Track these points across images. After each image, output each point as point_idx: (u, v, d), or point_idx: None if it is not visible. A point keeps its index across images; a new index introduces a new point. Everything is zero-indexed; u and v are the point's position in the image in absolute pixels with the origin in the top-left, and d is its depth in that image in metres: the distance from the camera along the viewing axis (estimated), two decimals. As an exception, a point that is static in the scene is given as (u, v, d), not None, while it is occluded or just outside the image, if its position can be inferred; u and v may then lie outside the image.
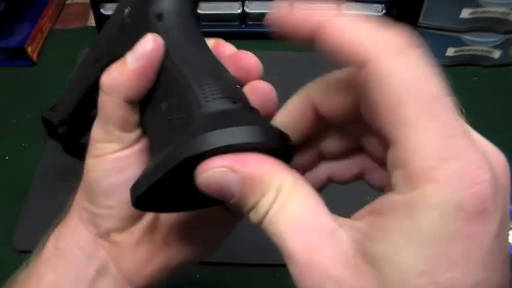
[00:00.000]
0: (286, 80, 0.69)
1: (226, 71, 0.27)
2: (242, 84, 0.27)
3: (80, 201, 0.31)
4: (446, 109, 0.18)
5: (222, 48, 0.30)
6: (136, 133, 0.28)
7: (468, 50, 0.70)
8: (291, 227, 0.19)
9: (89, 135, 0.30)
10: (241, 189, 0.20)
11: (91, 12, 0.77)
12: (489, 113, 0.66)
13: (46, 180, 0.57)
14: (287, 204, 0.19)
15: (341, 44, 0.20)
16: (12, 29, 0.72)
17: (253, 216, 0.20)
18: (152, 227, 0.30)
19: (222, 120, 0.22)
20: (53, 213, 0.54)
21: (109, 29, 0.31)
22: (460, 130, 0.17)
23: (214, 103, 0.23)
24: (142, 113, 0.27)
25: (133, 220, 0.30)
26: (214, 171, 0.20)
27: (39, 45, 0.73)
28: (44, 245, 0.31)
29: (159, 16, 0.28)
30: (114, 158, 0.28)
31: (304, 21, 0.21)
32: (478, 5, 0.65)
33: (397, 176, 0.17)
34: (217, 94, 0.24)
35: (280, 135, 0.23)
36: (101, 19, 0.74)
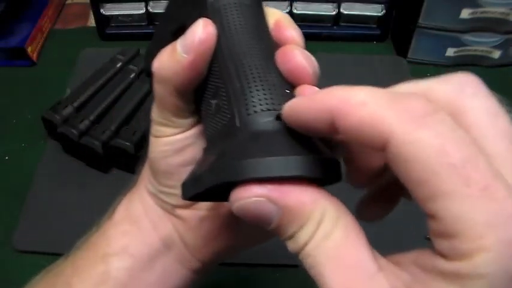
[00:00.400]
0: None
1: (277, 69, 0.25)
2: (293, 85, 0.25)
3: (146, 174, 0.31)
4: (481, 171, 0.16)
5: (283, 35, 0.28)
6: (192, 119, 0.27)
7: (468, 50, 0.70)
8: (331, 262, 0.18)
9: None
10: (280, 219, 0.19)
11: (91, 12, 0.77)
12: (489, 113, 0.66)
13: (46, 180, 0.57)
14: (328, 237, 0.18)
15: (359, 131, 0.18)
16: (12, 29, 0.72)
17: (291, 246, 0.19)
18: (216, 206, 0.30)
19: (264, 144, 0.21)
20: (52, 213, 0.55)
21: None
22: (502, 190, 0.16)
23: (259, 117, 0.22)
24: (197, 101, 0.26)
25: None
26: (251, 201, 0.19)
27: (39, 45, 0.73)
28: (114, 210, 0.32)
29: None
30: (171, 140, 0.28)
31: (318, 113, 0.20)
32: (478, 5, 0.65)
33: (442, 245, 0.17)
34: (264, 105, 0.22)
35: (327, 162, 0.21)
36: (101, 19, 0.74)
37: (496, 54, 0.70)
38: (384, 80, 0.69)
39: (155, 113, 0.28)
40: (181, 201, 0.29)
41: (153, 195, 0.30)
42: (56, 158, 0.59)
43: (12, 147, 0.61)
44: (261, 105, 0.22)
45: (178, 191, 0.26)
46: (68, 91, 0.65)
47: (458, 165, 0.16)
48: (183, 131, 0.28)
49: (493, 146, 0.18)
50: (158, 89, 0.26)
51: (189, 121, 0.27)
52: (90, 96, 0.60)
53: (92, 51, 0.73)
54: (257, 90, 0.23)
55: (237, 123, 0.22)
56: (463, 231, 0.16)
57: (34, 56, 0.71)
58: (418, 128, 0.16)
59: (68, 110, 0.58)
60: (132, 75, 0.63)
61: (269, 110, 0.22)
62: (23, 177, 0.58)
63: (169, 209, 0.30)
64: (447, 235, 0.16)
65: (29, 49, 0.70)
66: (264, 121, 0.22)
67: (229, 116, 0.23)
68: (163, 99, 0.26)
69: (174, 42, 0.25)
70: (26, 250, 0.52)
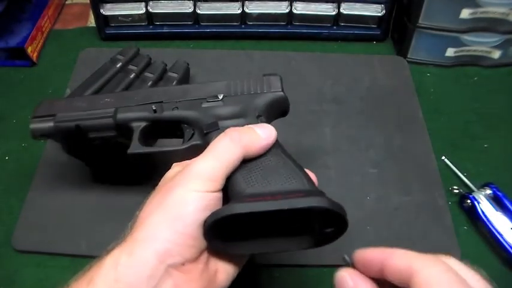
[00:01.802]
0: (286, 79, 0.70)
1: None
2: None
3: (160, 233, 0.33)
4: None
5: None
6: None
7: (468, 50, 0.70)
8: None
9: None
10: None
11: (91, 12, 0.77)
12: (489, 113, 0.66)
13: (46, 180, 0.57)
14: None
15: (397, 270, 0.28)
16: (12, 29, 0.72)
17: None
18: (209, 258, 0.35)
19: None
20: (52, 213, 0.55)
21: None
22: None
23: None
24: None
25: (203, 251, 0.35)
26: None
27: (39, 45, 0.73)
28: (95, 275, 0.32)
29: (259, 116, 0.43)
30: (215, 196, 0.34)
31: (371, 266, 0.30)
32: (478, 5, 0.65)
33: None
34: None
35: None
36: (101, 19, 0.74)
37: (496, 54, 0.70)
38: (384, 80, 0.69)
39: (207, 168, 0.35)
40: (196, 253, 0.34)
41: (166, 254, 0.32)
42: (56, 158, 0.59)
43: (12, 147, 0.61)
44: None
45: (199, 243, 0.34)
46: (68, 91, 0.65)
47: None
48: (220, 190, 0.35)
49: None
50: (230, 149, 0.36)
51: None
52: (90, 96, 0.60)
53: (92, 51, 0.73)
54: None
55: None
56: None
57: (34, 56, 0.71)
58: (433, 267, 0.27)
59: (68, 110, 0.58)
60: (132, 75, 0.63)
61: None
62: (23, 177, 0.58)
63: (179, 265, 0.33)
64: None
65: (29, 49, 0.70)
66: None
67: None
68: (229, 158, 0.36)
69: (251, 127, 0.39)
70: (26, 250, 0.52)
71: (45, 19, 0.76)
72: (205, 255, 0.35)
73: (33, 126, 0.47)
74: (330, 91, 0.67)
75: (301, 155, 0.60)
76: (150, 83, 0.62)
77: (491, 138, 0.63)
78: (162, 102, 0.46)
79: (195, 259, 0.34)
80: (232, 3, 0.73)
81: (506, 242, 0.50)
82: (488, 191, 0.54)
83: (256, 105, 0.44)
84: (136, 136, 0.45)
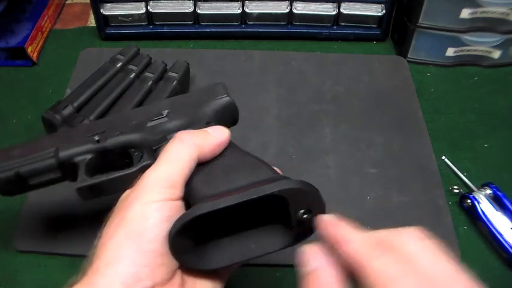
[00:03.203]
0: (286, 79, 0.70)
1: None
2: None
3: (123, 255, 0.29)
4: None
5: None
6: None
7: (468, 50, 0.70)
8: None
9: None
10: None
11: (91, 12, 0.77)
12: (489, 113, 0.66)
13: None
14: None
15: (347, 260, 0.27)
16: (12, 29, 0.72)
17: None
18: (184, 278, 0.31)
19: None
20: (52, 214, 0.55)
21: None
22: None
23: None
24: None
25: (175, 271, 0.31)
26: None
27: (39, 45, 0.73)
28: None
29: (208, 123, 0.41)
30: (177, 205, 0.31)
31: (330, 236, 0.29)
32: (478, 5, 0.65)
33: None
34: None
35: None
36: (101, 19, 0.74)
37: (496, 54, 0.70)
38: (384, 80, 0.69)
39: (160, 176, 0.32)
40: (167, 274, 0.30)
41: (134, 279, 0.28)
42: (56, 158, 0.59)
43: (12, 147, 0.61)
44: None
45: (167, 260, 0.30)
46: (68, 91, 0.65)
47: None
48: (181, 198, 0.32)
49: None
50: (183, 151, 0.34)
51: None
52: (90, 96, 0.60)
53: (92, 51, 0.73)
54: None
55: None
56: None
57: (34, 56, 0.71)
58: (378, 257, 0.26)
59: (68, 110, 0.58)
60: (132, 75, 0.63)
61: None
62: (23, 177, 0.58)
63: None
64: None
65: (29, 49, 0.70)
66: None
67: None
68: (184, 161, 0.33)
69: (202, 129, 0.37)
70: (26, 250, 0.52)
71: (45, 19, 0.76)
72: (179, 275, 0.31)
73: None
74: (330, 91, 0.67)
75: (301, 155, 0.60)
76: (150, 83, 0.62)
77: (491, 138, 0.63)
78: (104, 131, 0.43)
79: (167, 281, 0.30)
80: (232, 3, 0.73)
81: (506, 242, 0.50)
82: (489, 191, 0.54)
83: (203, 113, 0.43)
84: (82, 171, 0.41)
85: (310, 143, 0.61)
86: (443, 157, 0.60)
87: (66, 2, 0.83)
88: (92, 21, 0.78)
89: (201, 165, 0.34)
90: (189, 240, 0.30)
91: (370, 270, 0.25)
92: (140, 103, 0.60)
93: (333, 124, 0.63)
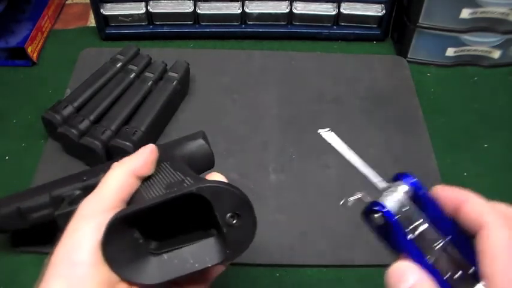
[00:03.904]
0: (286, 79, 0.70)
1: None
2: None
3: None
4: None
5: None
6: None
7: (468, 50, 0.70)
8: None
9: None
10: None
11: (91, 12, 0.77)
12: (489, 113, 0.66)
13: (46, 180, 0.57)
14: None
15: (469, 218, 0.28)
16: (12, 29, 0.72)
17: None
18: None
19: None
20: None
21: None
22: None
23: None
24: None
25: None
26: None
27: (39, 45, 0.73)
28: None
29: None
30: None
31: (450, 201, 0.29)
32: (478, 5, 0.65)
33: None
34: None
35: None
36: (101, 19, 0.74)
37: (496, 54, 0.70)
38: (384, 80, 0.69)
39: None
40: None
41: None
42: (56, 158, 0.59)
43: (12, 147, 0.61)
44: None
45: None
46: (68, 91, 0.65)
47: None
48: None
49: None
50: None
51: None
52: (90, 96, 0.60)
53: (92, 51, 0.73)
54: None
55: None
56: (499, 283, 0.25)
57: (34, 56, 0.71)
58: (502, 228, 0.27)
59: (68, 110, 0.58)
60: (132, 75, 0.63)
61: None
62: (23, 177, 0.58)
63: None
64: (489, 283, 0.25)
65: (29, 49, 0.70)
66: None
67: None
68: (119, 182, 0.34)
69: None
70: (26, 250, 0.52)
71: (45, 19, 0.76)
72: None
73: None
74: (330, 91, 0.67)
75: (301, 155, 0.60)
76: (150, 83, 0.62)
77: (491, 138, 0.63)
78: (93, 172, 0.48)
79: None
80: (233, 3, 0.73)
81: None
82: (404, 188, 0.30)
83: (176, 154, 0.44)
84: (66, 201, 0.46)
85: (310, 143, 0.61)
86: (319, 130, 0.35)
87: (66, 2, 0.83)
88: (92, 21, 0.78)
89: (145, 181, 0.35)
90: (126, 253, 0.31)
91: (492, 237, 0.27)
92: (140, 103, 0.60)
93: (333, 124, 0.63)
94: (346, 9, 0.73)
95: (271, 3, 0.74)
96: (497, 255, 0.26)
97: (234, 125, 0.63)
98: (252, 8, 0.73)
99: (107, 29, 0.75)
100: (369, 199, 0.28)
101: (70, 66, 0.71)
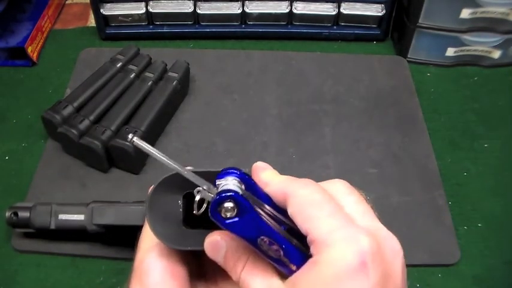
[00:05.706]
0: (286, 79, 0.70)
1: None
2: None
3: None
4: (334, 209, 0.28)
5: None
6: None
7: (468, 50, 0.70)
8: None
9: None
10: None
11: (91, 12, 0.77)
12: (489, 113, 0.66)
13: (46, 180, 0.57)
14: None
15: (277, 199, 0.30)
16: (12, 29, 0.72)
17: None
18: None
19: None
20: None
21: None
22: (343, 217, 0.27)
23: None
24: None
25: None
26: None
27: (39, 45, 0.73)
28: None
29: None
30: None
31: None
32: (478, 5, 0.65)
33: (311, 249, 0.27)
34: None
35: None
36: (101, 19, 0.74)
37: (496, 54, 0.70)
38: (384, 80, 0.69)
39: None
40: None
41: None
42: (56, 158, 0.59)
43: (12, 147, 0.61)
44: None
45: None
46: (68, 91, 0.65)
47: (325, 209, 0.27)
48: None
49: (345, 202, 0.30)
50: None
51: None
52: (90, 96, 0.60)
53: (92, 51, 0.73)
54: None
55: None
56: (318, 235, 0.26)
57: (34, 56, 0.71)
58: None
59: (68, 110, 0.58)
60: (132, 75, 0.63)
61: None
62: (23, 177, 0.58)
63: None
64: (311, 241, 0.27)
65: (29, 49, 0.70)
66: None
67: None
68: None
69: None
70: (26, 250, 0.52)
71: (45, 19, 0.76)
72: None
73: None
74: (330, 91, 0.67)
75: (301, 155, 0.60)
76: (150, 83, 0.62)
77: (491, 138, 0.63)
78: None
79: None
80: (232, 3, 0.73)
81: None
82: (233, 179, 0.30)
83: None
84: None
85: (310, 143, 0.61)
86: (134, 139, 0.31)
87: (66, 2, 0.83)
88: (92, 21, 0.78)
89: None
90: (168, 218, 0.32)
91: (296, 197, 0.28)
92: (140, 103, 0.60)
93: (333, 124, 0.63)
94: (346, 9, 0.73)
95: (271, 3, 0.73)
96: (305, 211, 0.27)
97: (234, 125, 0.63)
98: (252, 8, 0.73)
99: (107, 29, 0.75)
100: (210, 195, 0.28)
101: (70, 66, 0.71)
